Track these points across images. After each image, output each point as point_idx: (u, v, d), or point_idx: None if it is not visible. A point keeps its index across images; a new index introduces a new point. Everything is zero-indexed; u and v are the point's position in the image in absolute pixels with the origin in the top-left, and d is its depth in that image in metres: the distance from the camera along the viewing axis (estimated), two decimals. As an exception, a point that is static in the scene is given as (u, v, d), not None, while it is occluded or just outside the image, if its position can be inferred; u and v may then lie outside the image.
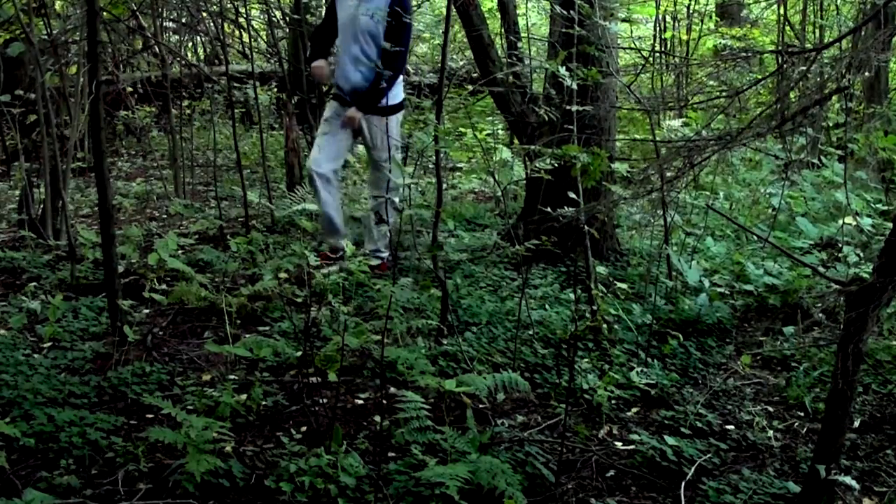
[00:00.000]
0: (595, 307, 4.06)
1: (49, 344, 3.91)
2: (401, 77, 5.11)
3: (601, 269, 4.63)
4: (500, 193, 6.49)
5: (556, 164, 3.88)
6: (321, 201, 5.04)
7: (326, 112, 5.19)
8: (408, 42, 4.92)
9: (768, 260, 5.13)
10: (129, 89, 8.80)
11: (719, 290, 4.75)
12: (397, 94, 5.04)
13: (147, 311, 4.46)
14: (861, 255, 4.83)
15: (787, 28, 8.18)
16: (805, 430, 3.29)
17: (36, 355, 3.75)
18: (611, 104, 5.21)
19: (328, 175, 5.02)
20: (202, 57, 10.78)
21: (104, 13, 6.23)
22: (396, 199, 5.06)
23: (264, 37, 11.17)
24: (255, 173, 8.14)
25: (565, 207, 3.65)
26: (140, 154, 9.57)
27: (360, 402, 3.43)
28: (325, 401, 3.38)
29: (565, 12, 4.22)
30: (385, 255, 5.16)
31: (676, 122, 5.37)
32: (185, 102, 9.30)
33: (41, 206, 5.75)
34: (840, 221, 5.33)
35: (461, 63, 9.97)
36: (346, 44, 4.91)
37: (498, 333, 4.02)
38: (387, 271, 5.05)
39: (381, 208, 4.87)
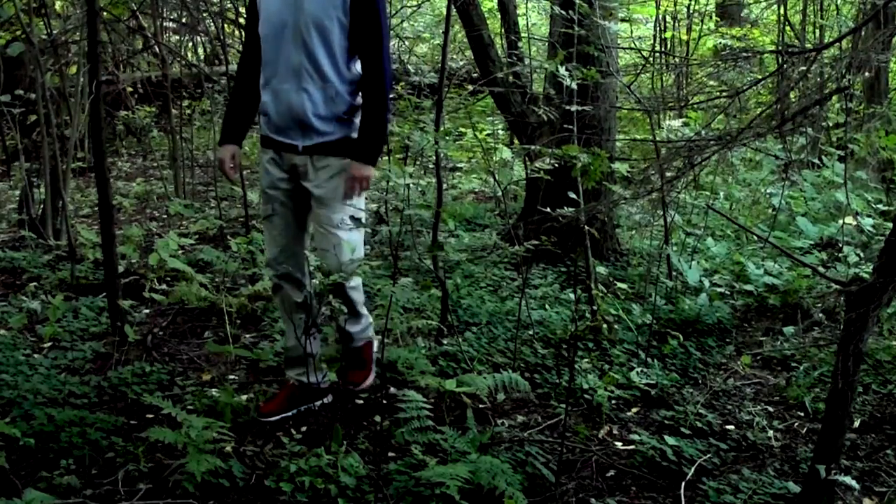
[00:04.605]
0: (595, 307, 4.06)
1: (49, 344, 3.91)
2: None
3: (601, 269, 4.63)
4: (500, 193, 6.49)
5: (556, 165, 3.89)
6: (286, 321, 3.35)
7: (262, 180, 3.30)
8: (386, 41, 3.14)
9: (768, 260, 5.13)
10: (129, 89, 8.80)
11: (719, 290, 4.76)
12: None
13: (147, 311, 4.46)
14: (861, 255, 4.83)
15: (787, 28, 8.18)
16: (805, 430, 3.29)
17: (36, 355, 3.75)
18: (611, 104, 5.22)
19: (294, 275, 3.27)
20: (202, 57, 10.77)
21: (104, 13, 6.23)
22: (357, 295, 3.29)
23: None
24: (255, 173, 8.14)
25: (565, 207, 3.65)
26: (140, 154, 9.57)
27: (360, 402, 3.43)
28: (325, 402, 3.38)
29: (565, 12, 4.22)
30: (361, 339, 3.37)
31: (676, 122, 5.37)
32: (185, 102, 9.31)
33: (41, 206, 5.75)
34: (840, 221, 5.33)
35: (461, 63, 9.97)
36: (280, 54, 3.11)
37: (498, 333, 4.02)
38: (363, 380, 3.37)
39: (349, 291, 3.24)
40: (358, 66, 3.15)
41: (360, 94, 3.16)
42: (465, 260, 5.16)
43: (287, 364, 3.37)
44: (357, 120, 3.16)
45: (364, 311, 3.36)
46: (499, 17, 6.29)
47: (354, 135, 3.15)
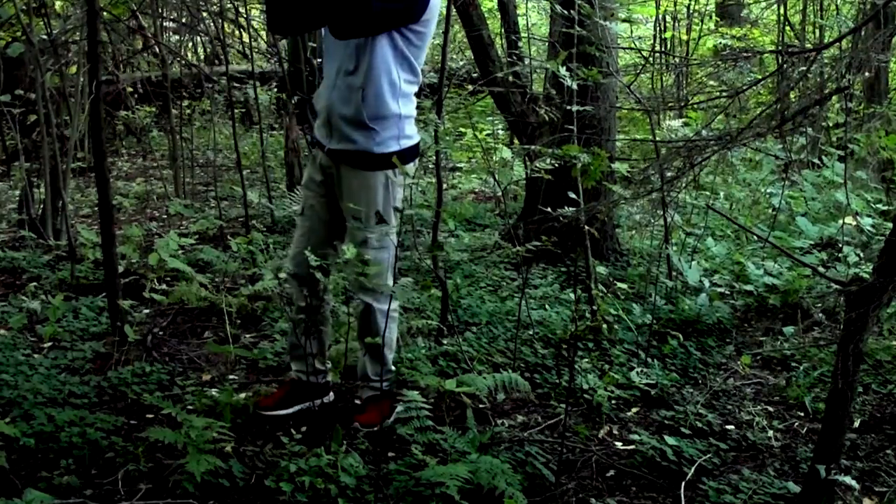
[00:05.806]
0: (595, 307, 4.06)
1: (49, 344, 3.91)
2: (405, 108, 3.06)
3: (601, 269, 4.63)
4: (500, 193, 6.49)
5: (556, 164, 3.88)
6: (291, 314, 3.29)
7: (304, 175, 3.35)
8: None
9: (768, 260, 5.13)
10: (129, 89, 8.79)
11: (719, 290, 4.76)
12: (393, 136, 3.05)
13: (147, 311, 4.46)
14: (861, 255, 4.83)
15: (787, 28, 8.18)
16: (805, 430, 3.29)
17: (36, 355, 3.75)
18: (611, 104, 5.21)
19: (299, 275, 3.19)
20: (202, 57, 10.77)
21: (104, 13, 6.23)
22: (387, 305, 3.10)
23: (264, 37, 11.17)
24: (255, 173, 8.14)
25: (565, 207, 3.65)
26: (140, 154, 9.57)
27: (360, 402, 3.42)
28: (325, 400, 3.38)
29: (566, 12, 4.22)
30: (378, 383, 3.22)
31: (676, 122, 5.37)
32: (185, 102, 9.30)
33: (41, 206, 5.75)
34: (840, 221, 5.33)
35: (461, 63, 9.97)
36: (332, 48, 3.08)
37: (498, 333, 4.02)
38: (375, 422, 3.13)
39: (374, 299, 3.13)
40: (400, 72, 3.01)
41: (398, 102, 3.01)
42: (465, 260, 5.16)
43: (290, 358, 3.38)
44: (385, 133, 3.00)
45: (389, 357, 3.25)
46: (499, 17, 6.29)
47: (376, 149, 3.00)
